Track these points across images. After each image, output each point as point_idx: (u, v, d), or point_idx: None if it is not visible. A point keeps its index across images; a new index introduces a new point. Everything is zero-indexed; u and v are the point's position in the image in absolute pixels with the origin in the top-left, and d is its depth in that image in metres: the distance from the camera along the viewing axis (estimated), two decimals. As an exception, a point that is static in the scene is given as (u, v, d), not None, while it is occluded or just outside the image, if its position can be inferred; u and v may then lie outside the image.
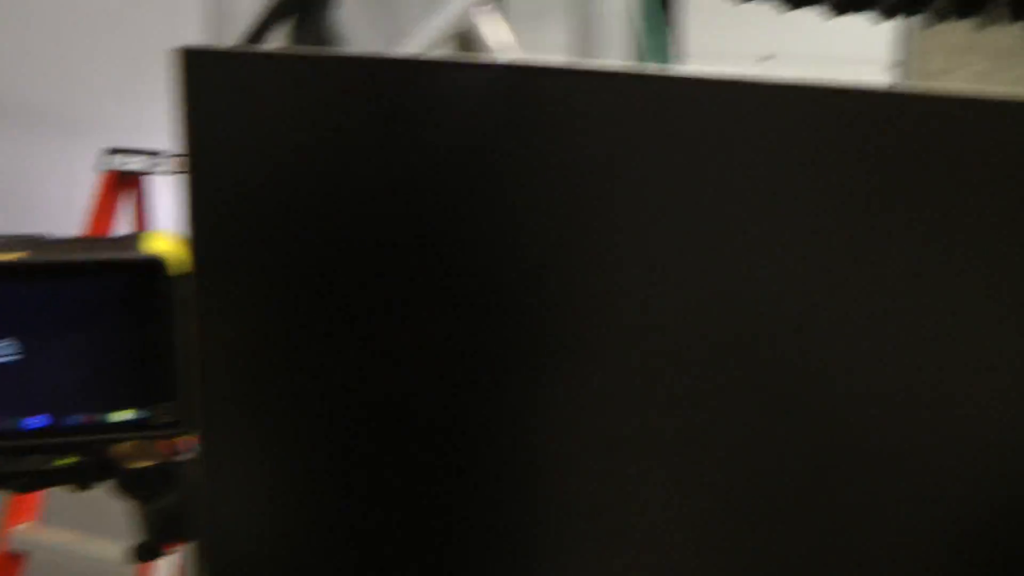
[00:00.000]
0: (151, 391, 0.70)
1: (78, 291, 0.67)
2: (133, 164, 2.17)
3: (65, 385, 0.68)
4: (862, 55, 2.57)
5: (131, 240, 0.67)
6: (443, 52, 0.96)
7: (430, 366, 0.48)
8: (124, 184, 2.17)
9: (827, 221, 0.45)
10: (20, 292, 0.65)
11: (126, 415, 0.70)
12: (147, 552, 0.80)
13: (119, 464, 0.72)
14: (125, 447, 0.73)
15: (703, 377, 0.46)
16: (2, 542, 2.01)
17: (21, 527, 2.03)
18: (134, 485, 0.72)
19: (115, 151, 2.19)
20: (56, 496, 0.67)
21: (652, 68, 0.41)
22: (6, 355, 0.66)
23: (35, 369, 0.67)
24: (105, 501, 0.70)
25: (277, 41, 0.82)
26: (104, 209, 2.15)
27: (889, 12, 0.66)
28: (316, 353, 0.51)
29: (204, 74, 0.46)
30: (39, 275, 0.65)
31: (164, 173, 2.18)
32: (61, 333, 0.67)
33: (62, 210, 2.52)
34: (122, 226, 2.16)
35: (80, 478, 0.70)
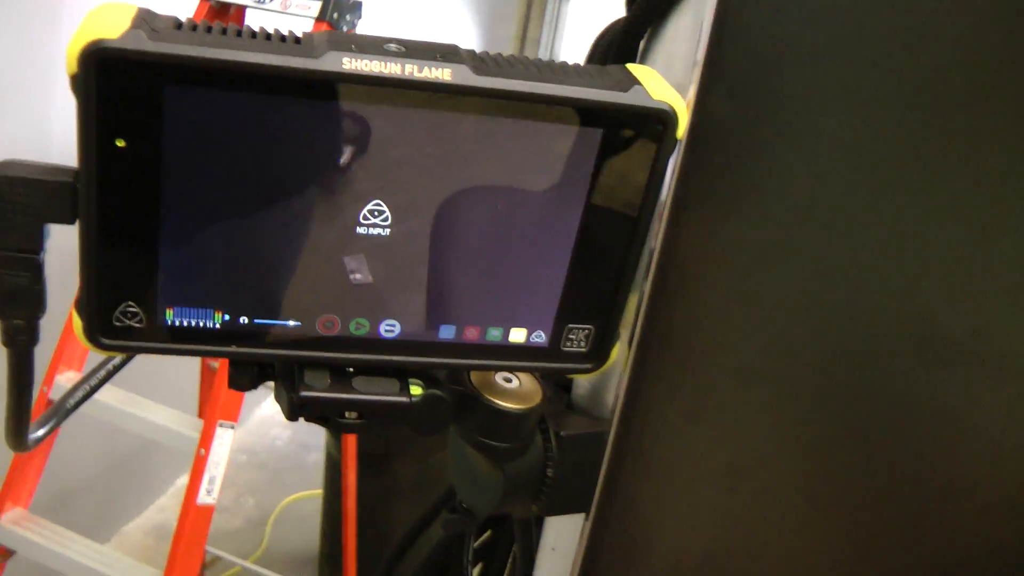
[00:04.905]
0: (567, 308, 0.47)
1: (520, 144, 0.43)
2: (235, -7, 1.88)
3: (444, 282, 0.45)
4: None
5: (618, 76, 0.43)
6: None
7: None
8: (221, 17, 1.89)
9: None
10: (420, 129, 0.41)
11: (519, 335, 0.47)
12: (460, 523, 0.58)
13: (481, 403, 0.49)
14: (491, 379, 0.50)
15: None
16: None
17: (65, 375, 1.82)
18: (498, 434, 0.49)
19: (216, -25, 1.90)
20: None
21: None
22: (374, 224, 0.43)
23: (405, 253, 0.44)
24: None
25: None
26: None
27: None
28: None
29: None
30: (469, 109, 0.41)
31: (268, 9, 1.91)
32: (464, 203, 0.44)
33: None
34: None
35: (427, 418, 0.47)
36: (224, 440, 1.85)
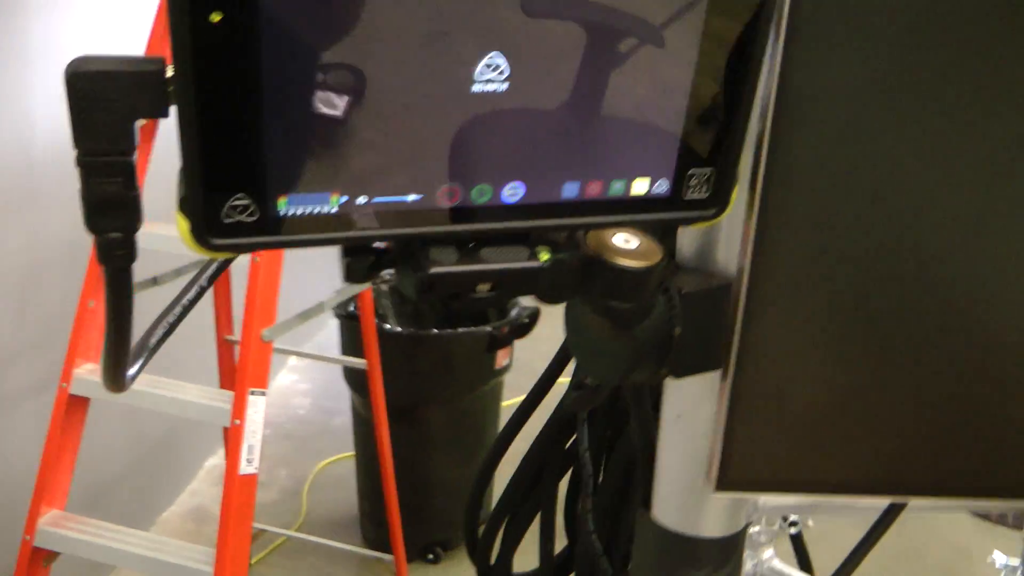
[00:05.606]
0: (688, 151, 0.45)
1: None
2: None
3: (565, 136, 0.43)
4: None
5: None
6: None
7: None
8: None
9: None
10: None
11: (642, 186, 0.45)
12: (587, 398, 0.56)
13: (605, 264, 0.47)
14: (609, 241, 0.48)
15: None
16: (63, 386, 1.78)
17: (83, 368, 1.80)
18: (623, 295, 0.47)
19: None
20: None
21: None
22: (491, 80, 0.40)
23: (525, 108, 0.41)
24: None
25: None
26: None
27: None
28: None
29: None
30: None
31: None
32: (580, 46, 0.41)
33: None
34: None
35: (556, 283, 0.45)
36: (258, 408, 1.83)
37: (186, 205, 0.39)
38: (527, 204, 0.43)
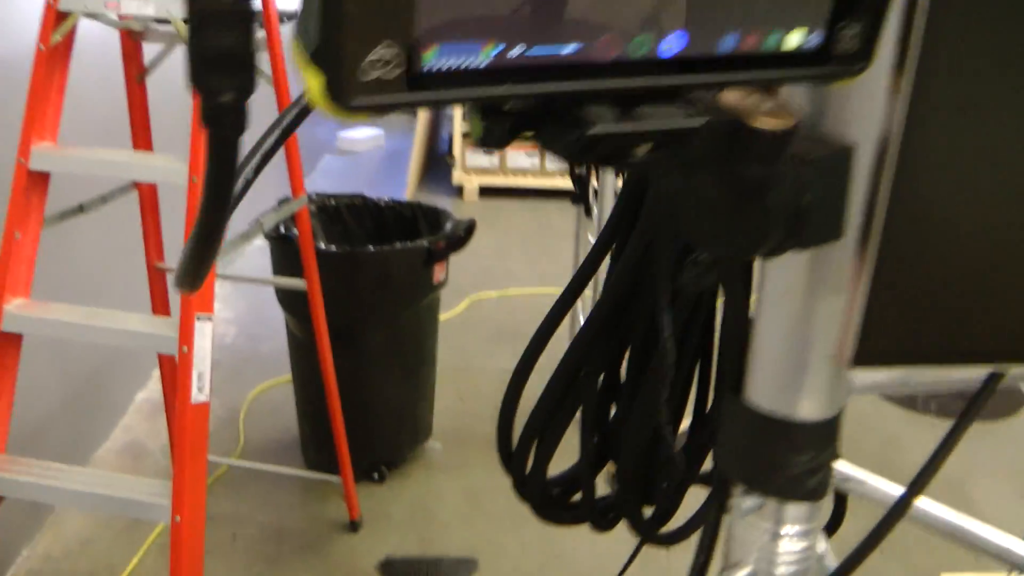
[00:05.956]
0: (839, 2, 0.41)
1: None
2: None
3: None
4: None
5: None
6: None
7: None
8: None
9: None
10: None
11: (795, 39, 0.41)
12: (706, 274, 0.52)
13: (747, 127, 0.43)
14: (745, 101, 0.44)
15: None
16: (-7, 324, 1.66)
17: (13, 303, 1.68)
18: (766, 158, 0.43)
19: None
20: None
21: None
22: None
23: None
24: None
25: None
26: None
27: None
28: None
29: None
30: None
31: None
32: None
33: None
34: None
35: (708, 146, 0.41)
36: (205, 333, 1.74)
37: (321, 57, 0.33)
38: (682, 59, 0.39)
